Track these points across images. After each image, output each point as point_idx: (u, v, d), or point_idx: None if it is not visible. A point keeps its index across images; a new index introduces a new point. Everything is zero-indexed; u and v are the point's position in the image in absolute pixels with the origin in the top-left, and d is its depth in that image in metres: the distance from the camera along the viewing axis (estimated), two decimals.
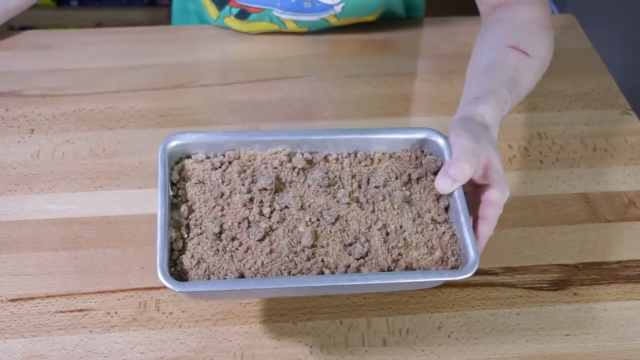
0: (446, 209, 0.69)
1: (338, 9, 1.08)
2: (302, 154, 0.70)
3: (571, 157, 0.95)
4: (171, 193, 0.67)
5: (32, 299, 0.76)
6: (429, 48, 1.14)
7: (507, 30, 0.85)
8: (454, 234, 0.67)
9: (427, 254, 0.65)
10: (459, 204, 0.67)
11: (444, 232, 0.67)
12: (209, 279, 0.62)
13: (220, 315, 0.75)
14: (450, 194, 0.68)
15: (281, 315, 0.76)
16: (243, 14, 1.10)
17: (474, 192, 0.70)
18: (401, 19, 1.19)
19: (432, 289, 0.78)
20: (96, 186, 0.88)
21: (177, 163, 0.70)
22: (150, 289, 0.78)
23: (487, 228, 0.67)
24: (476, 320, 0.76)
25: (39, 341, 0.73)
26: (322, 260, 0.64)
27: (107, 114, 0.99)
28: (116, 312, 0.75)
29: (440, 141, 0.70)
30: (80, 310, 0.76)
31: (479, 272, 0.80)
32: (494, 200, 0.67)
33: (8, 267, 0.79)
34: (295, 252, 0.64)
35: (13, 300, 0.76)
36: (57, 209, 0.85)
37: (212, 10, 1.12)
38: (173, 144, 0.69)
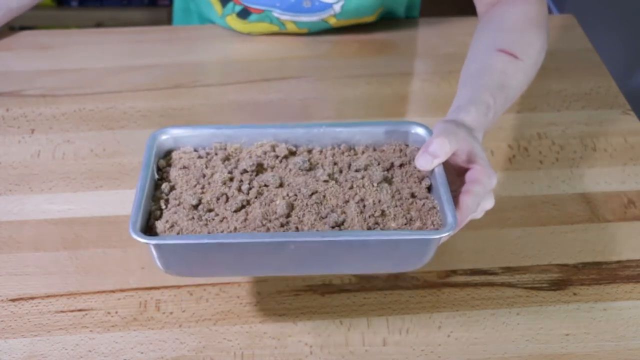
0: (429, 190, 0.68)
1: (337, 8, 1.08)
2: (286, 146, 0.71)
3: (571, 157, 0.95)
4: (156, 176, 0.68)
5: (33, 298, 0.76)
6: (428, 48, 1.14)
7: (498, 33, 0.86)
8: (434, 207, 0.66)
9: (405, 224, 0.65)
10: (439, 178, 0.66)
11: (423, 204, 0.66)
12: None
13: (220, 315, 0.75)
14: (431, 172, 0.68)
15: (281, 315, 0.76)
16: (244, 13, 1.10)
17: (459, 179, 0.69)
18: (400, 19, 1.19)
19: (431, 288, 0.78)
20: (96, 186, 0.89)
21: (165, 156, 0.71)
22: (151, 288, 0.78)
23: (469, 199, 0.66)
24: (476, 320, 0.76)
25: (40, 341, 0.73)
26: (297, 228, 0.64)
27: (107, 114, 0.99)
28: (116, 312, 0.76)
29: (421, 131, 0.72)
30: (80, 310, 0.76)
31: (479, 272, 0.80)
32: (479, 177, 0.67)
33: (8, 267, 0.79)
34: (270, 220, 0.64)
35: (13, 300, 0.76)
36: (57, 209, 0.86)
37: (217, 7, 1.12)
38: (162, 137, 0.71)
